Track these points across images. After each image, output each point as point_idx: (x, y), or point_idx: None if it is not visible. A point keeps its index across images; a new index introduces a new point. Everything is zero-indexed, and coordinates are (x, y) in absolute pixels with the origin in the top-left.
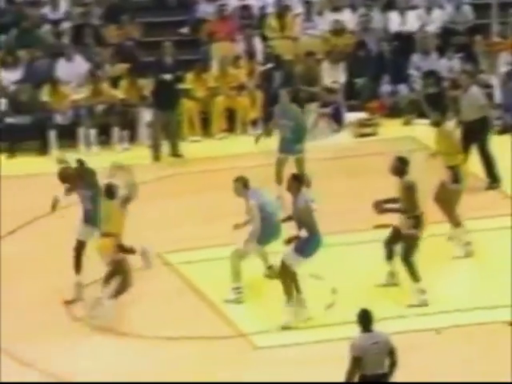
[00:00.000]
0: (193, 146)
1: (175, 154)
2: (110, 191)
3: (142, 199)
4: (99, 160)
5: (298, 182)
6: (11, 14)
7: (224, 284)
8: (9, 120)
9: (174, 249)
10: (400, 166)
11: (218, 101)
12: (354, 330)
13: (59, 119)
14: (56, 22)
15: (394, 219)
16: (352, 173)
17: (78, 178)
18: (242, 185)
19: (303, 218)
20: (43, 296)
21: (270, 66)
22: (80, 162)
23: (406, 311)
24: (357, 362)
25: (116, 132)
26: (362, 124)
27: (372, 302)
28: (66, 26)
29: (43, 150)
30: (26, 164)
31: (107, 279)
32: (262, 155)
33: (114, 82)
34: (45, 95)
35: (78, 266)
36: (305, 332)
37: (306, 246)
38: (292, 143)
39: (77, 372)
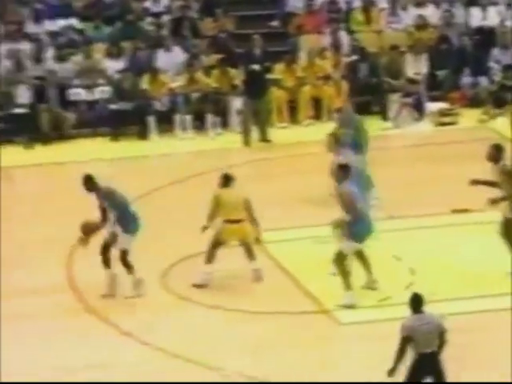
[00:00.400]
0: (281, 132)
1: (264, 139)
2: (228, 179)
3: None
4: (194, 144)
5: (345, 171)
6: (117, 8)
7: (309, 262)
8: (113, 106)
9: (264, 228)
10: (495, 153)
11: (305, 90)
12: (432, 309)
13: (158, 106)
14: (157, 15)
15: (472, 204)
16: (432, 159)
17: (101, 208)
18: (334, 140)
19: (347, 203)
20: (141, 269)
21: (355, 57)
22: (89, 179)
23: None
24: (406, 341)
25: (209, 118)
26: (442, 113)
27: (448, 283)
28: (165, 18)
29: (143, 134)
30: (127, 147)
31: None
32: None
33: (208, 71)
34: (145, 83)
35: (128, 267)
36: (385, 310)
37: (354, 230)
38: (352, 150)
39: (169, 342)
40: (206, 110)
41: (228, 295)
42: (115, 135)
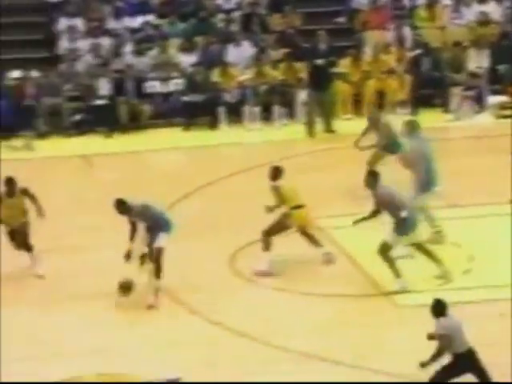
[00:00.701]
0: (345, 124)
1: (329, 130)
2: (281, 171)
3: (297, 170)
4: (261, 134)
5: (374, 176)
6: (191, 5)
7: (371, 248)
8: (185, 98)
9: (327, 215)
10: None
11: (369, 83)
12: (489, 293)
13: (228, 97)
14: (228, 12)
15: None
16: (492, 151)
17: (131, 223)
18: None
19: (387, 204)
20: (210, 252)
21: (418, 52)
22: (122, 204)
23: None
24: (447, 340)
25: (276, 109)
26: (502, 106)
27: (505, 270)
28: (236, 15)
29: (214, 124)
30: (198, 137)
31: (314, 242)
32: None
33: (276, 65)
34: (216, 76)
35: (158, 269)
36: (443, 294)
37: (402, 226)
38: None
39: (235, 322)
40: (273, 101)
41: (292, 279)
42: (187, 125)
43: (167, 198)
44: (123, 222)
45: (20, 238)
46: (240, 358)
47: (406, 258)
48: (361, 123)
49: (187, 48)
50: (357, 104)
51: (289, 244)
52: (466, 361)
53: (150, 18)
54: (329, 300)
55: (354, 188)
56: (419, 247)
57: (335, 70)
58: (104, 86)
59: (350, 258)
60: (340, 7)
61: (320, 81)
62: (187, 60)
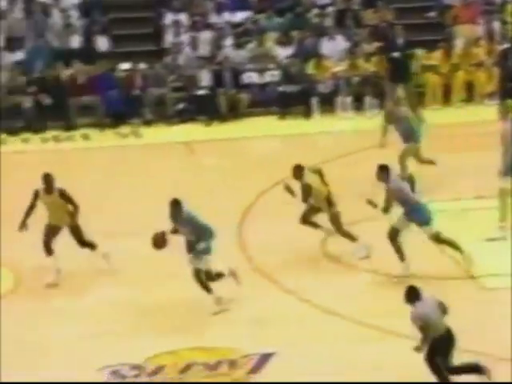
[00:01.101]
0: (434, 114)
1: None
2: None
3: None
4: (352, 123)
5: (385, 171)
6: (288, 1)
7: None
8: (281, 88)
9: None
10: None
11: (458, 75)
12: None
13: (321, 88)
14: (323, 7)
15: None
16: None
17: (174, 222)
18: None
19: (398, 196)
20: (303, 235)
21: (507, 46)
22: (176, 203)
23: None
24: (424, 329)
25: (368, 100)
26: None
27: None
28: (330, 10)
29: (307, 114)
30: (293, 125)
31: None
32: (496, 122)
33: (368, 58)
34: (310, 68)
35: (207, 288)
36: None
37: (412, 217)
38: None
39: (325, 300)
40: (365, 92)
41: (380, 261)
42: (283, 114)
43: (263, 183)
44: (222, 203)
45: (76, 239)
46: (331, 335)
47: (500, 240)
48: (449, 113)
49: (283, 41)
50: (446, 95)
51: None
52: (444, 342)
53: (249, 13)
54: (415, 282)
55: (439, 175)
56: (437, 238)
57: (427, 62)
58: (205, 78)
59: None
60: (431, 3)
61: (399, 73)
62: (283, 52)
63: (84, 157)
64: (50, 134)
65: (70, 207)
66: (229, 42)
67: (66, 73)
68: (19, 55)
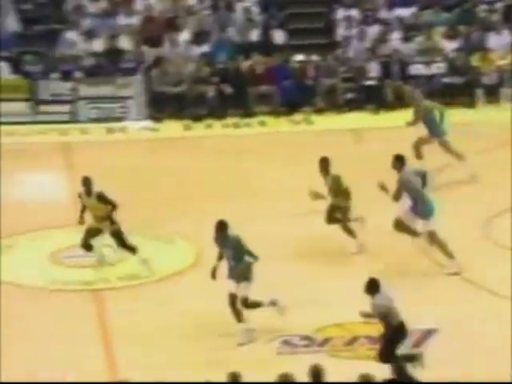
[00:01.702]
0: None
1: None
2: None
3: None
4: None
5: (400, 161)
6: None
7: None
8: (445, 80)
9: None
10: None
11: None
12: None
13: (486, 80)
14: (491, 3)
15: None
16: None
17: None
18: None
19: (407, 188)
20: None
21: None
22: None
23: None
24: (384, 317)
25: None
26: None
27: None
28: (498, 5)
29: (471, 104)
30: (458, 115)
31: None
32: None
33: None
34: (476, 61)
35: (237, 314)
36: None
37: (418, 209)
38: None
39: (489, 281)
40: None
41: None
42: (447, 104)
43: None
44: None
45: (117, 242)
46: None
47: None
48: None
49: (451, 35)
50: None
51: None
52: (399, 333)
53: (417, 9)
54: None
55: None
56: (432, 236)
57: None
58: (373, 69)
59: None
60: None
61: None
62: (450, 46)
63: (260, 142)
64: (230, 120)
65: (108, 208)
66: (396, 35)
67: (245, 64)
68: (205, 48)
